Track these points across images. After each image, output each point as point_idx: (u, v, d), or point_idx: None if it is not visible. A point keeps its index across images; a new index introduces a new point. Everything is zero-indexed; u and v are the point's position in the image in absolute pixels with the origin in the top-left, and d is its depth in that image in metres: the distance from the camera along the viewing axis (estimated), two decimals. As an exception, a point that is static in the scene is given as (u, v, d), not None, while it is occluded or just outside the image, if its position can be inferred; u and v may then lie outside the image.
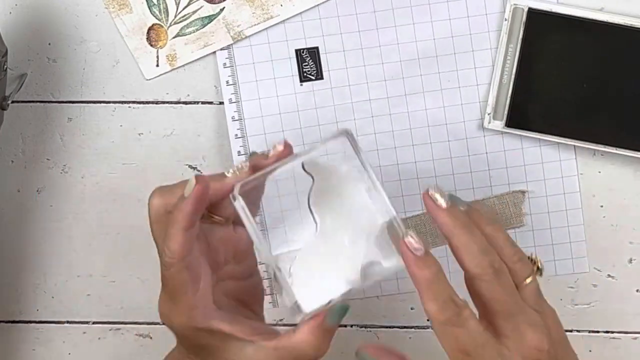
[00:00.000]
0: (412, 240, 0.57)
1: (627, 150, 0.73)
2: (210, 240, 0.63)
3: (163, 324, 0.63)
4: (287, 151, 0.61)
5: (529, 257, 0.61)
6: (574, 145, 0.75)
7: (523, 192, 0.76)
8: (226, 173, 0.61)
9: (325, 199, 0.61)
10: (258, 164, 0.61)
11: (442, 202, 0.59)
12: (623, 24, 0.71)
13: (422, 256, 0.57)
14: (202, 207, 0.60)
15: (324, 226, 0.60)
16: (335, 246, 0.60)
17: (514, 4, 0.72)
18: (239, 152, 0.76)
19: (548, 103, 0.73)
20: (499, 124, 0.74)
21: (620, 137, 0.73)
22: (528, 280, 0.59)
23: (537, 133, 0.74)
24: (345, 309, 0.60)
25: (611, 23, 0.71)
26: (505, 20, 0.73)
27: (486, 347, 0.57)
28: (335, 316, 0.60)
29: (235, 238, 0.65)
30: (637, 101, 0.72)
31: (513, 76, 0.73)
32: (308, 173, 0.60)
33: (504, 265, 0.59)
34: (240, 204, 0.59)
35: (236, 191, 0.59)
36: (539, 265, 0.61)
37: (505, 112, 0.74)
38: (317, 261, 0.61)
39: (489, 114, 0.74)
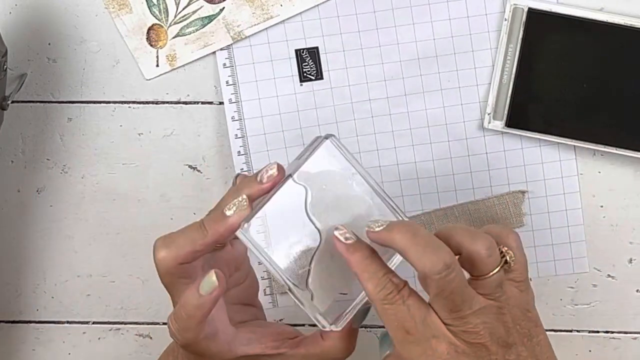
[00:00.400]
0: (339, 232, 0.59)
1: (627, 150, 0.73)
2: (215, 266, 0.63)
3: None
4: (281, 175, 0.61)
5: (500, 251, 0.60)
6: (574, 146, 0.75)
7: (523, 192, 0.76)
8: (227, 212, 0.60)
9: (323, 205, 0.61)
10: (252, 192, 0.61)
11: (375, 227, 0.59)
12: (623, 24, 0.71)
13: (353, 243, 0.59)
14: (217, 301, 0.60)
15: (328, 233, 0.61)
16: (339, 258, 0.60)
17: (514, 4, 0.72)
18: (238, 152, 0.76)
19: (548, 103, 0.73)
20: (499, 124, 0.74)
21: (620, 137, 0.73)
22: (493, 272, 0.59)
23: (537, 133, 0.74)
24: (368, 310, 0.62)
25: (611, 23, 0.71)
26: (505, 20, 0.73)
27: (426, 324, 0.57)
28: (360, 319, 0.62)
29: (233, 250, 0.66)
30: (637, 101, 0.72)
31: (513, 76, 0.73)
32: (300, 184, 0.61)
33: (453, 258, 0.58)
34: (248, 239, 0.59)
35: (244, 230, 0.59)
36: (508, 259, 0.60)
37: (505, 112, 0.74)
38: (330, 269, 0.61)
39: (489, 114, 0.74)
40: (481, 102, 0.75)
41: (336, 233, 0.59)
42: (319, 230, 0.61)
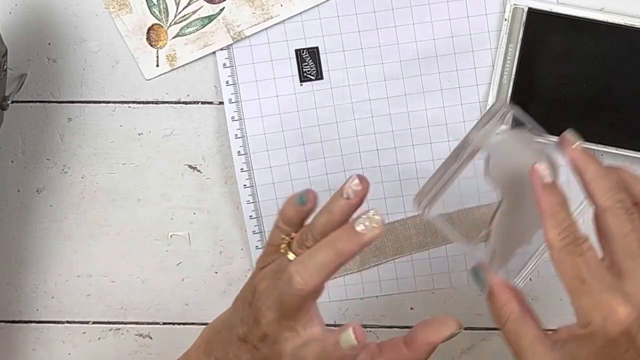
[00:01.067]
0: (541, 167, 0.59)
1: (627, 151, 0.73)
2: None
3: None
4: (365, 188, 0.60)
5: None
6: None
7: None
8: (358, 229, 0.58)
9: (503, 171, 0.62)
10: (344, 210, 0.60)
11: (574, 140, 0.60)
12: (623, 24, 0.71)
13: (550, 183, 0.59)
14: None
15: (508, 200, 0.62)
16: (521, 215, 0.62)
17: (514, 4, 0.72)
18: (238, 152, 0.76)
19: (548, 103, 0.73)
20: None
21: (620, 137, 0.73)
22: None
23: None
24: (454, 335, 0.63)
25: (611, 23, 0.71)
26: (505, 20, 0.73)
27: (603, 278, 0.58)
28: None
29: None
30: (637, 101, 0.72)
31: (513, 76, 0.73)
32: (480, 157, 0.63)
33: (636, 209, 0.59)
34: (437, 219, 0.62)
35: (427, 213, 0.61)
36: None
37: None
38: (509, 228, 0.63)
39: None
40: (481, 102, 0.75)
41: (537, 167, 0.59)
42: (498, 196, 0.62)
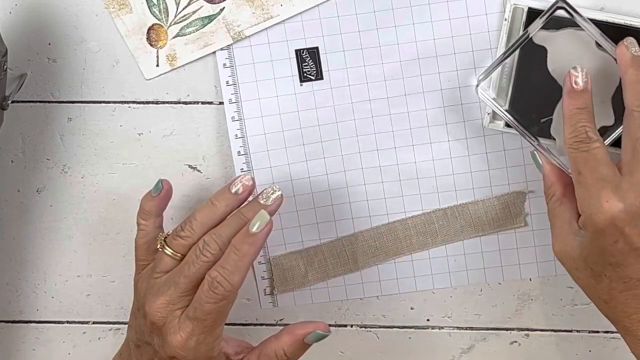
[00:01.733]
0: (574, 72, 0.67)
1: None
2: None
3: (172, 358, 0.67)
4: (254, 184, 0.71)
5: None
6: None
7: (523, 193, 0.76)
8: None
9: (563, 63, 0.70)
10: (230, 203, 0.70)
11: (634, 49, 0.67)
12: (623, 23, 0.71)
13: (579, 89, 0.67)
14: (266, 238, 0.67)
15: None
16: None
17: (514, 4, 0.72)
18: (238, 152, 0.76)
19: (548, 103, 0.73)
20: (499, 124, 0.74)
21: (620, 136, 0.73)
22: None
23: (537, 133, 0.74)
24: (323, 337, 0.70)
25: (611, 23, 0.71)
26: (505, 20, 0.73)
27: (600, 173, 0.63)
28: (313, 339, 0.70)
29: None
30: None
31: (513, 77, 0.73)
32: (539, 46, 0.71)
33: None
34: (487, 96, 0.72)
35: (481, 89, 0.72)
36: None
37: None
38: None
39: (488, 114, 0.74)
40: (481, 102, 0.75)
41: (572, 72, 0.67)
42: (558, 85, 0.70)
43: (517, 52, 0.72)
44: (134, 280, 0.72)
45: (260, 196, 0.69)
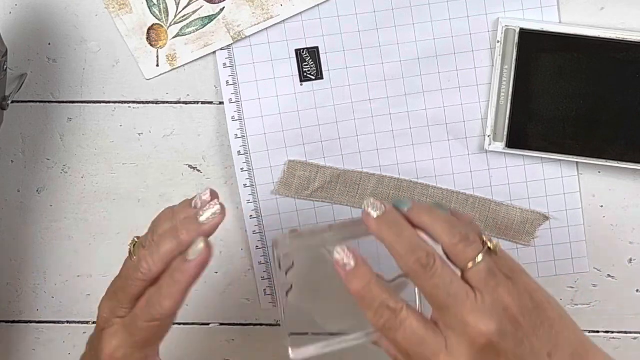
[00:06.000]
0: (338, 256, 0.60)
1: (627, 164, 0.73)
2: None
3: None
4: (223, 215, 0.62)
5: (481, 238, 0.60)
6: (576, 162, 0.75)
7: (546, 217, 0.76)
8: (200, 220, 0.61)
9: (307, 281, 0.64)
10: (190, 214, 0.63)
11: (373, 213, 0.61)
12: (615, 38, 0.71)
13: (352, 270, 0.59)
14: (202, 268, 0.61)
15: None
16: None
17: (506, 26, 0.72)
18: (239, 152, 0.76)
19: (546, 122, 0.73)
20: (499, 146, 0.74)
21: (620, 150, 0.73)
22: (476, 260, 0.59)
23: (537, 152, 0.74)
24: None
25: (602, 38, 0.71)
26: (498, 42, 0.73)
27: (425, 344, 0.58)
28: None
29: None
30: (633, 113, 0.72)
31: (510, 97, 0.73)
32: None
33: (435, 257, 0.59)
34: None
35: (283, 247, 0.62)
36: (489, 244, 0.60)
37: (505, 134, 0.74)
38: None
39: (488, 136, 0.74)
40: (481, 102, 0.75)
41: (336, 258, 0.60)
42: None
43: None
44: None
45: (198, 206, 0.63)
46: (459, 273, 0.59)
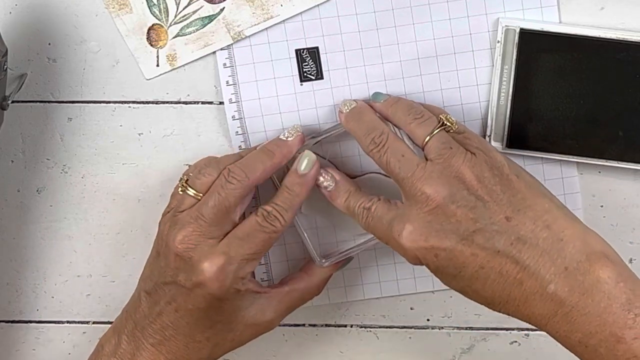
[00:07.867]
0: (321, 179, 0.70)
1: (628, 163, 0.73)
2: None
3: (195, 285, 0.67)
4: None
5: (440, 119, 0.68)
6: (576, 162, 0.75)
7: None
8: (282, 137, 0.72)
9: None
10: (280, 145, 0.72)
11: (344, 109, 0.71)
12: (615, 38, 0.71)
13: (333, 190, 0.70)
14: (315, 179, 0.71)
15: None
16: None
17: (506, 26, 0.72)
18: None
19: (546, 122, 0.73)
20: (499, 146, 0.74)
21: (620, 150, 0.73)
22: (432, 135, 0.67)
23: (537, 152, 0.74)
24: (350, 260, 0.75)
25: (602, 38, 0.71)
26: (498, 42, 0.73)
27: (389, 223, 0.66)
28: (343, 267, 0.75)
29: None
30: (633, 113, 0.72)
31: (510, 97, 0.73)
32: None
33: (388, 135, 0.68)
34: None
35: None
36: (445, 120, 0.68)
37: (505, 134, 0.74)
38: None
39: (488, 136, 0.74)
40: (481, 102, 0.75)
41: (319, 183, 0.70)
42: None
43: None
44: (159, 223, 0.72)
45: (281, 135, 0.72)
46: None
